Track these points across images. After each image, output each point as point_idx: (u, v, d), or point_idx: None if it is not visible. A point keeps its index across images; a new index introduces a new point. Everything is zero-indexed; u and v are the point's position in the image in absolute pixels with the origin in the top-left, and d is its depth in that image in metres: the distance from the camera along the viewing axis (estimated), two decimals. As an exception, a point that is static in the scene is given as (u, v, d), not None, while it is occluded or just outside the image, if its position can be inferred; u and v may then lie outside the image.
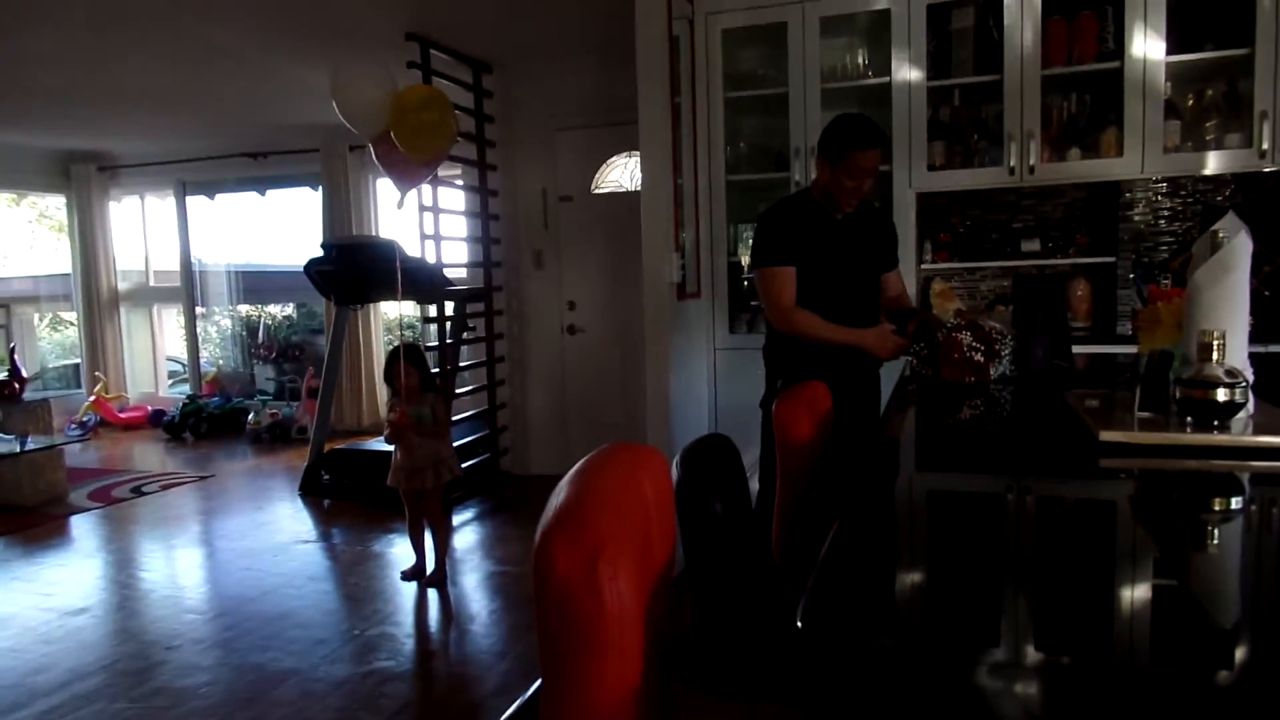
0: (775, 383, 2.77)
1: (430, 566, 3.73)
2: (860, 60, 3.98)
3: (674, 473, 1.33)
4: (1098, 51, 3.55)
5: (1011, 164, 3.64)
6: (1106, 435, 1.52)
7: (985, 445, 1.87)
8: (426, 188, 4.75)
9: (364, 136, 3.88)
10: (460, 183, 5.34)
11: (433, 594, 3.58)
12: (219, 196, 8.34)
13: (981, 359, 2.27)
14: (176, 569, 4.06)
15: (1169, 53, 3.43)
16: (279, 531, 4.51)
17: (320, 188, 7.23)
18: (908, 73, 3.73)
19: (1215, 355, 1.44)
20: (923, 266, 4.05)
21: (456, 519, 4.74)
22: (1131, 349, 3.44)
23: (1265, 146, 3.36)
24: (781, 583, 1.72)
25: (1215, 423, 1.49)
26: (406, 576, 3.74)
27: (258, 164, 7.49)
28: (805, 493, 1.81)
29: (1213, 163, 3.48)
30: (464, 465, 5.00)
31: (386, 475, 4.94)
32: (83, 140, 7.49)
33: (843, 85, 3.92)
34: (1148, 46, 3.44)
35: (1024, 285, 2.95)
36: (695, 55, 3.93)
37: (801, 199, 2.79)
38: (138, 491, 5.41)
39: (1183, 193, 3.89)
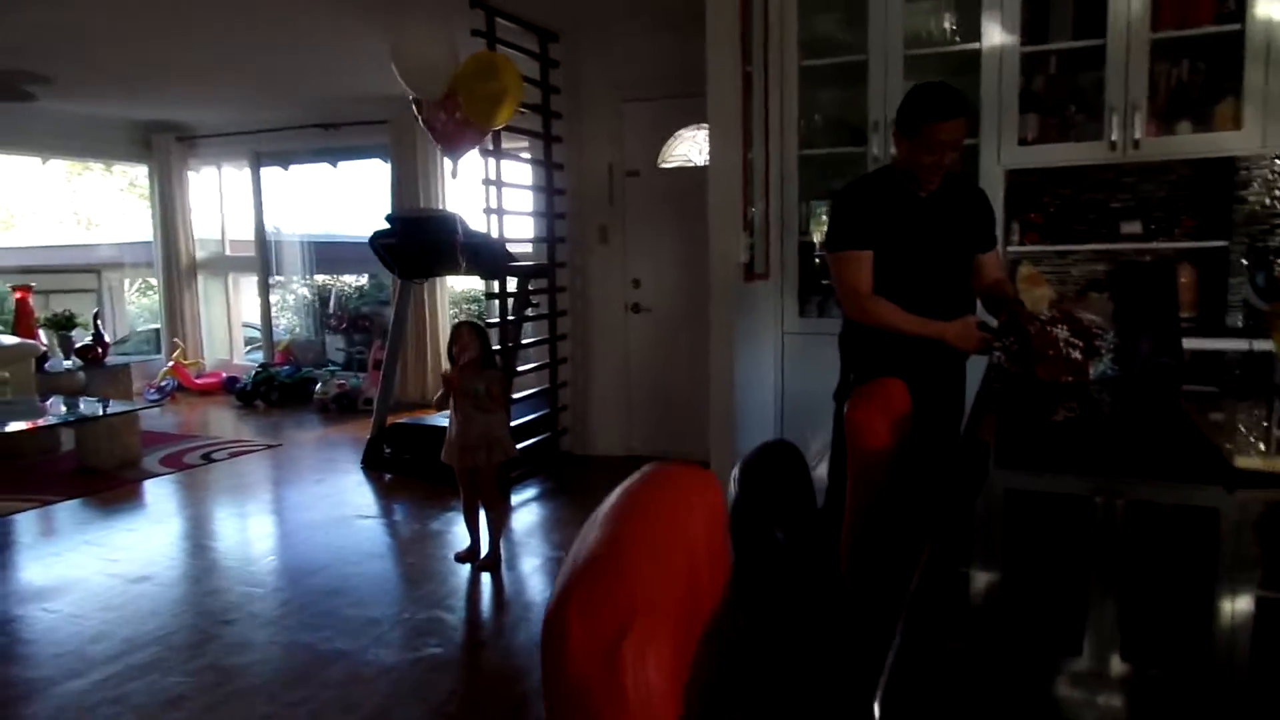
0: (850, 375, 2.59)
1: (485, 549, 3.66)
2: (947, 25, 3.71)
3: (731, 489, 1.19)
4: (1216, 13, 3.22)
5: (1113, 138, 3.35)
6: (1244, 463, 1.30)
7: (1090, 464, 1.60)
8: (490, 161, 4.65)
9: (424, 99, 3.78)
10: (526, 156, 5.23)
11: (486, 578, 3.52)
12: (292, 167, 8.43)
13: (1080, 357, 2.05)
14: (237, 540, 4.10)
15: (1300, 13, 3.09)
16: (340, 505, 4.52)
17: (389, 159, 7.23)
18: (999, 38, 3.45)
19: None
20: (1009, 249, 3.78)
21: (514, 499, 4.68)
22: (1241, 344, 3.15)
23: None
24: (853, 622, 1.55)
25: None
26: (460, 559, 3.69)
27: (329, 135, 7.52)
28: (879, 501, 1.64)
29: (1347, 138, 3.13)
30: (523, 445, 4.95)
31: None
32: (163, 111, 7.63)
33: (927, 52, 3.66)
34: (1275, 7, 3.10)
35: (1126, 272, 2.69)
36: (769, 20, 3.71)
37: (882, 176, 2.58)
38: (208, 458, 5.52)
39: (1307, 170, 3.53)
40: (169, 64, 5.77)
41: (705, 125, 5.02)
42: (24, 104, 6.38)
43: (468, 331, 3.54)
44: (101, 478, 5.06)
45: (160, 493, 4.88)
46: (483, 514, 3.68)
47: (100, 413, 5.23)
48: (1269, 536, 1.06)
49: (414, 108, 3.89)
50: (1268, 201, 3.59)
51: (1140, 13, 3.24)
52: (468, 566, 3.63)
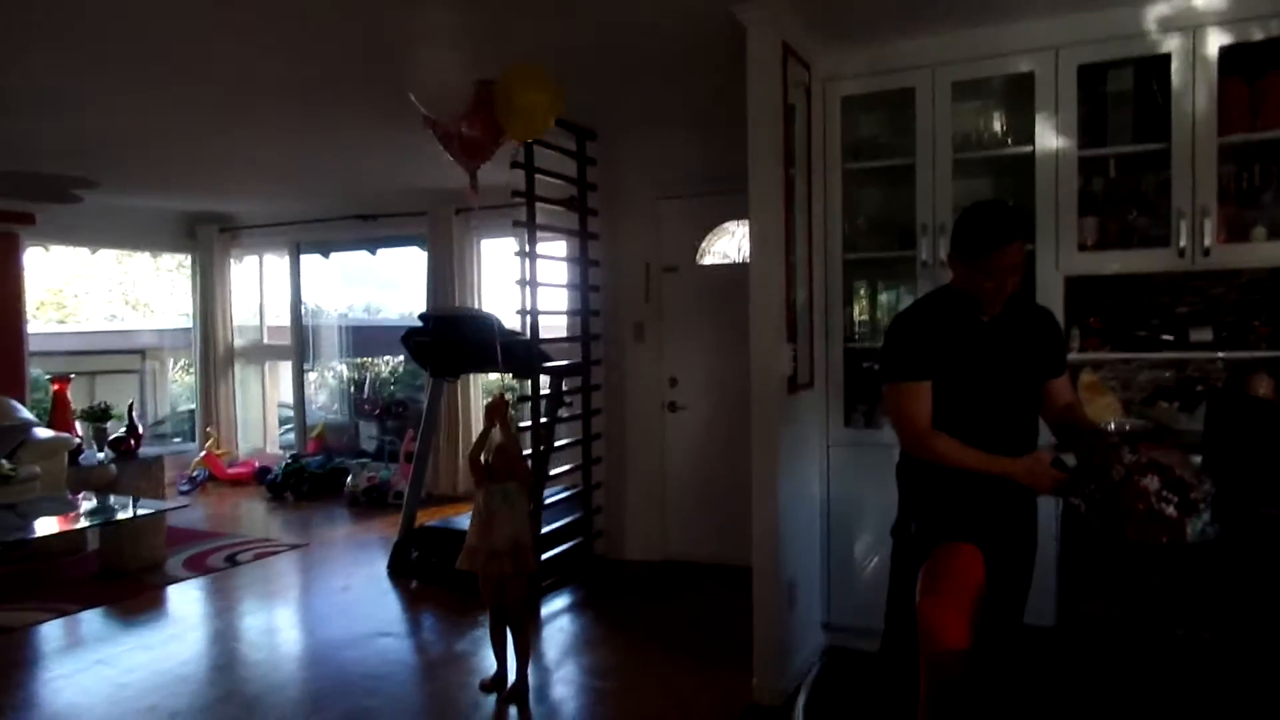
0: (910, 523, 2.36)
1: (512, 676, 3.43)
2: (998, 127, 3.57)
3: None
4: (1289, 116, 3.04)
5: (1181, 244, 3.14)
6: None
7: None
8: (525, 261, 4.56)
9: (440, 117, 3.69)
10: (561, 254, 5.16)
11: (513, 711, 3.28)
12: (332, 255, 8.51)
13: (1174, 513, 1.81)
14: (252, 663, 3.87)
15: (1382, 117, 2.89)
16: (362, 619, 4.31)
17: (426, 247, 7.24)
18: (1054, 141, 3.30)
19: None
20: (1069, 356, 3.55)
21: (544, 610, 4.45)
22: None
23: None
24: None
25: None
26: (485, 688, 3.45)
27: (368, 225, 7.58)
28: (957, 697, 1.42)
29: None
30: (556, 550, 4.76)
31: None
32: (207, 203, 7.77)
33: (977, 155, 3.51)
34: (1354, 110, 2.91)
35: (1218, 402, 2.45)
36: (812, 124, 3.60)
37: (943, 297, 2.39)
38: (232, 560, 5.37)
39: (1394, 275, 3.29)
40: (216, 164, 5.87)
41: (745, 222, 4.96)
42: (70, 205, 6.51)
43: (501, 402, 3.39)
44: (123, 583, 4.92)
45: (181, 600, 4.72)
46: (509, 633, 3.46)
47: (127, 514, 5.13)
48: None
49: (430, 129, 3.81)
50: (1351, 308, 3.35)
51: (1206, 116, 3.07)
52: (494, 697, 3.39)
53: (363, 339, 9.76)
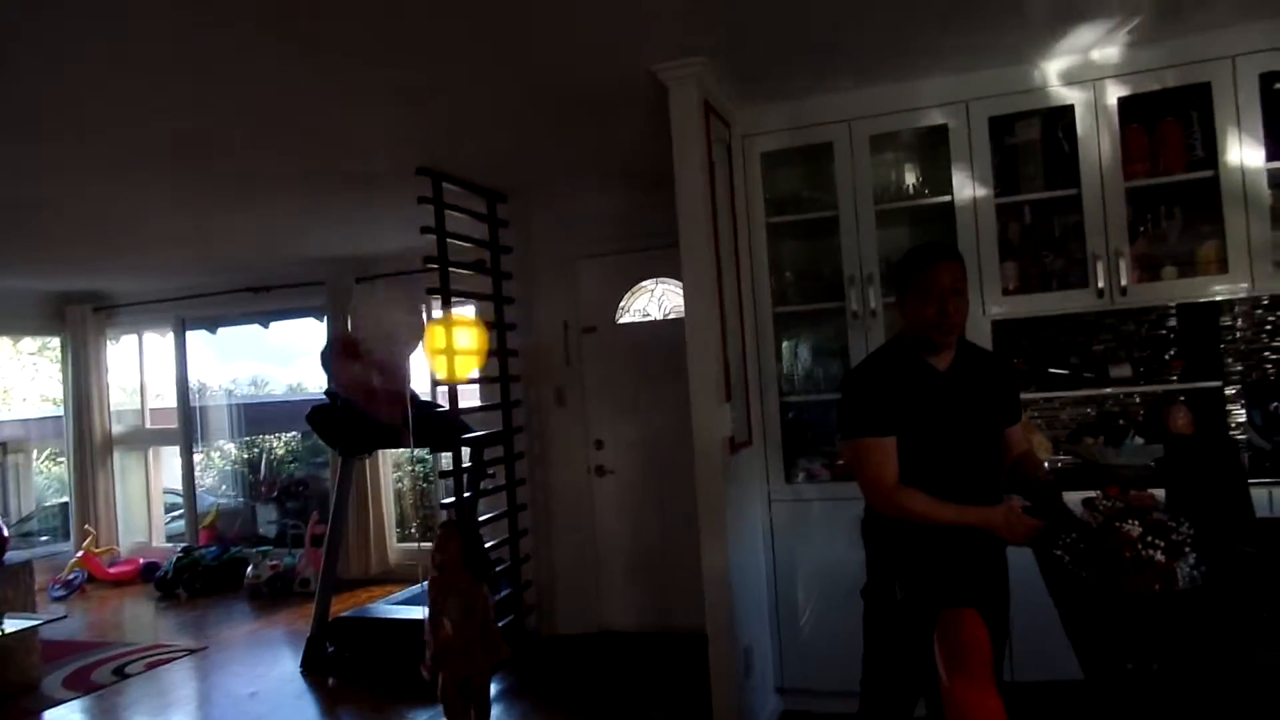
0: (888, 572, 2.28)
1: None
2: (915, 178, 3.64)
3: None
4: (1186, 160, 3.20)
5: (1100, 285, 3.24)
6: None
7: None
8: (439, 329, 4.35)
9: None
10: (472, 318, 4.97)
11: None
12: (220, 330, 8.02)
13: (1162, 559, 1.78)
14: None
15: (1269, 158, 3.08)
16: (276, 729, 3.92)
17: (325, 319, 6.89)
18: (971, 189, 3.38)
19: None
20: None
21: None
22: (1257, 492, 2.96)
23: (1397, 258, 2.97)
24: None
25: None
26: None
27: (260, 298, 7.18)
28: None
29: (1336, 276, 3.07)
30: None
31: (398, 647, 4.44)
32: (78, 281, 7.19)
33: (898, 205, 3.56)
34: (1244, 153, 3.09)
35: (1176, 449, 2.49)
36: (734, 180, 3.59)
37: (895, 348, 2.36)
38: (120, 673, 4.83)
39: (1285, 306, 3.48)
40: (90, 237, 5.42)
41: (663, 279, 4.91)
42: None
43: (443, 534, 3.41)
44: (-9, 711, 4.35)
45: (61, 727, 4.20)
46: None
47: (-6, 631, 4.55)
48: None
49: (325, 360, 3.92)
50: (1252, 337, 3.52)
51: (1111, 162, 3.21)
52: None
53: (254, 416, 9.21)
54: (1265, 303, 3.45)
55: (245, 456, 8.93)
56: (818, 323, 3.79)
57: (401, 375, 3.97)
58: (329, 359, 4.21)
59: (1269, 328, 3.49)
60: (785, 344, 3.78)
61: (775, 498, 3.64)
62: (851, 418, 2.28)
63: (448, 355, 4.13)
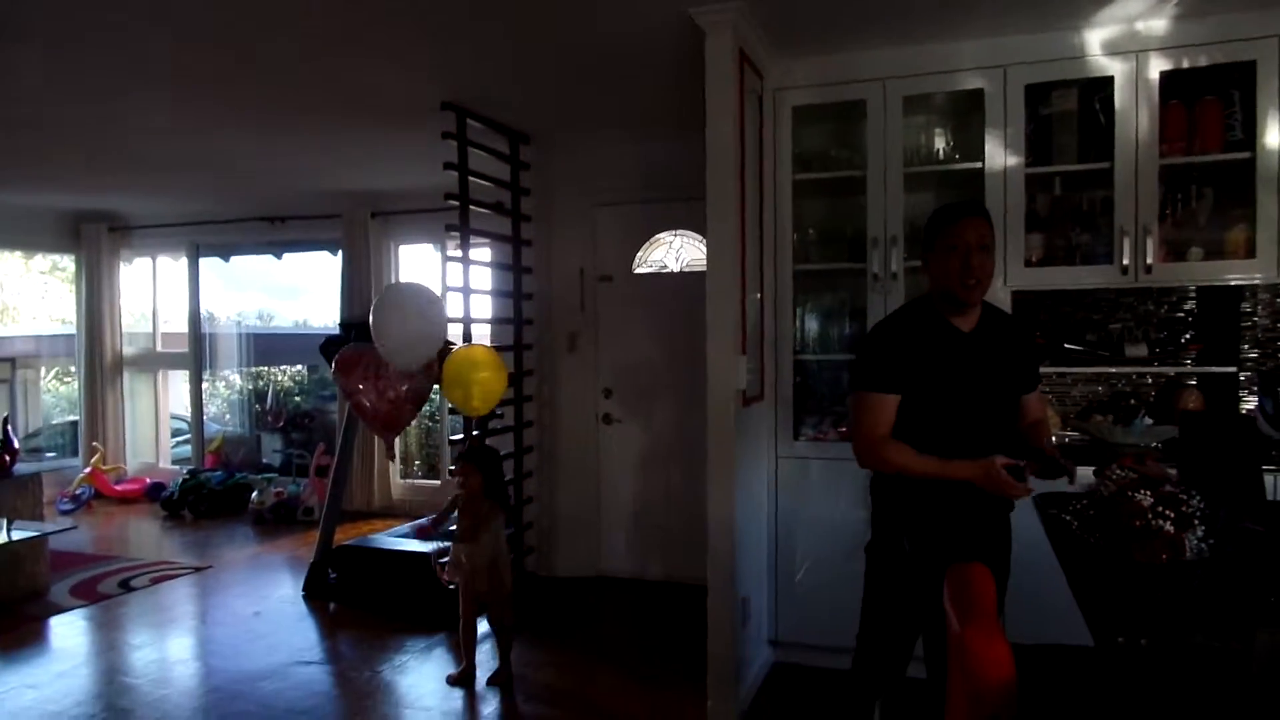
0: (896, 527, 2.31)
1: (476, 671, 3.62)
2: (946, 143, 3.60)
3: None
4: (1224, 141, 3.16)
5: (1125, 262, 3.22)
6: None
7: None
8: (456, 266, 4.35)
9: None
10: (490, 258, 4.96)
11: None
12: (234, 259, 8.02)
13: (1172, 529, 1.80)
14: (157, 700, 3.51)
15: (1309, 144, 3.04)
16: (276, 648, 4.00)
17: (340, 253, 6.89)
18: (1003, 158, 3.34)
19: None
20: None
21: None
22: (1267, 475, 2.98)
23: None
24: None
25: None
26: (453, 681, 3.60)
27: (275, 228, 7.17)
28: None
29: (1364, 268, 3.05)
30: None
31: (398, 577, 4.53)
32: (94, 200, 7.18)
33: (927, 169, 3.53)
34: (1284, 136, 3.05)
35: (1191, 423, 2.50)
36: (764, 134, 3.55)
37: (920, 307, 2.35)
38: (125, 586, 4.93)
39: (1307, 295, 3.46)
40: (106, 156, 5.40)
41: (682, 231, 4.89)
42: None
43: (465, 464, 3.52)
44: (1, 616, 4.43)
45: (68, 632, 4.28)
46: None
47: (2, 538, 4.64)
48: None
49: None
50: (1270, 325, 3.51)
51: (1148, 138, 3.16)
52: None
53: (262, 347, 9.24)
54: (1286, 289, 3.44)
55: (252, 387, 8.99)
56: (837, 283, 3.78)
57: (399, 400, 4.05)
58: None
59: (1288, 315, 3.48)
60: (803, 303, 3.78)
61: (782, 454, 3.67)
62: (861, 370, 2.31)
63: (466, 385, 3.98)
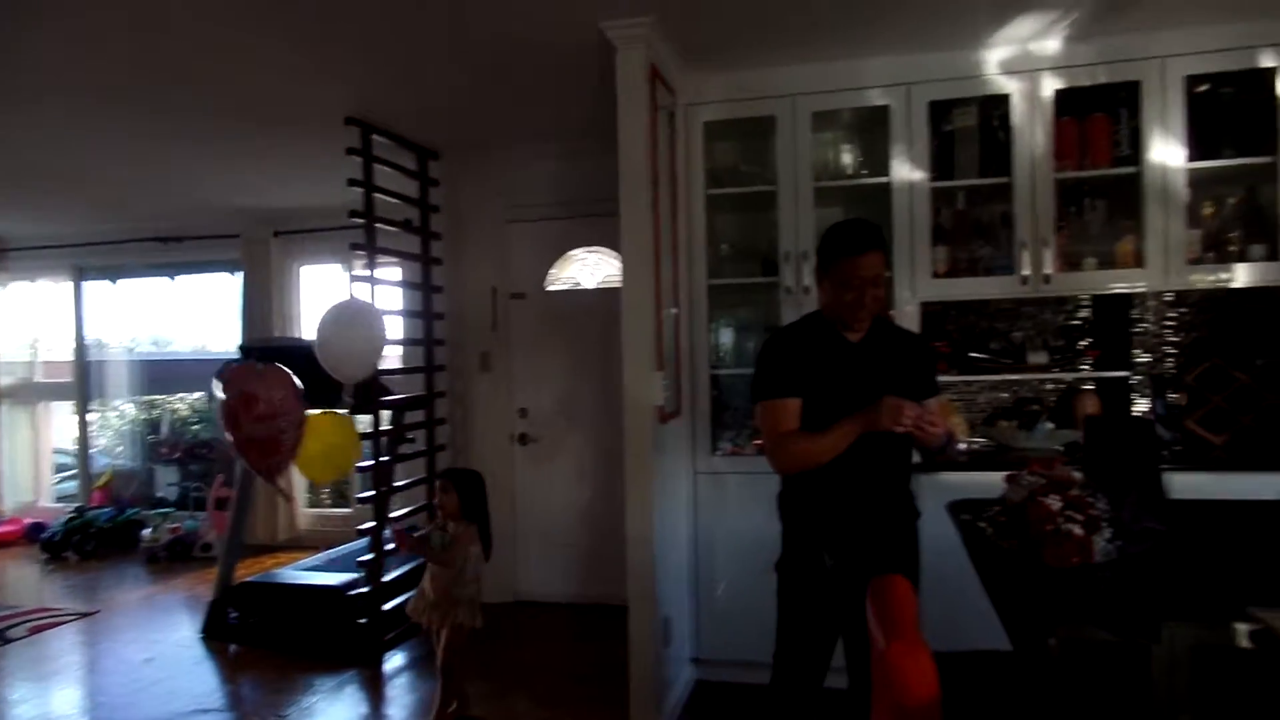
0: (794, 545, 2.31)
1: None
2: (854, 158, 3.67)
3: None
4: (1113, 156, 3.31)
5: (1024, 273, 3.33)
6: None
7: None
8: (364, 286, 4.21)
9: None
10: (400, 278, 4.81)
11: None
12: (122, 281, 7.59)
13: (1081, 532, 1.84)
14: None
15: (1189, 159, 3.20)
16: (172, 696, 3.74)
17: (240, 274, 6.58)
18: (909, 172, 3.42)
19: None
20: (923, 380, 3.67)
21: (386, 667, 4.08)
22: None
23: (1297, 260, 3.13)
24: None
25: None
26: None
27: (168, 248, 6.81)
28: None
29: (1240, 275, 3.22)
30: (399, 599, 4.37)
31: (307, 613, 4.32)
32: (-35, 221, 6.69)
33: (836, 184, 3.59)
34: (1166, 152, 3.21)
35: (1095, 425, 2.57)
36: (675, 149, 3.54)
37: (812, 321, 2.41)
38: (1, 638, 4.54)
39: (1190, 300, 3.64)
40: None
41: (596, 248, 4.85)
42: None
43: (441, 484, 3.34)
44: None
45: (-65, 690, 3.92)
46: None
47: None
48: None
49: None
50: (1158, 330, 3.68)
51: (1043, 153, 3.29)
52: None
53: (157, 374, 8.76)
54: (1170, 298, 3.62)
55: (146, 417, 8.50)
56: (751, 297, 3.80)
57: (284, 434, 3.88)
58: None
59: (1174, 322, 3.65)
60: (718, 317, 3.78)
61: (700, 470, 3.65)
62: (760, 380, 2.34)
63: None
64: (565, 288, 4.93)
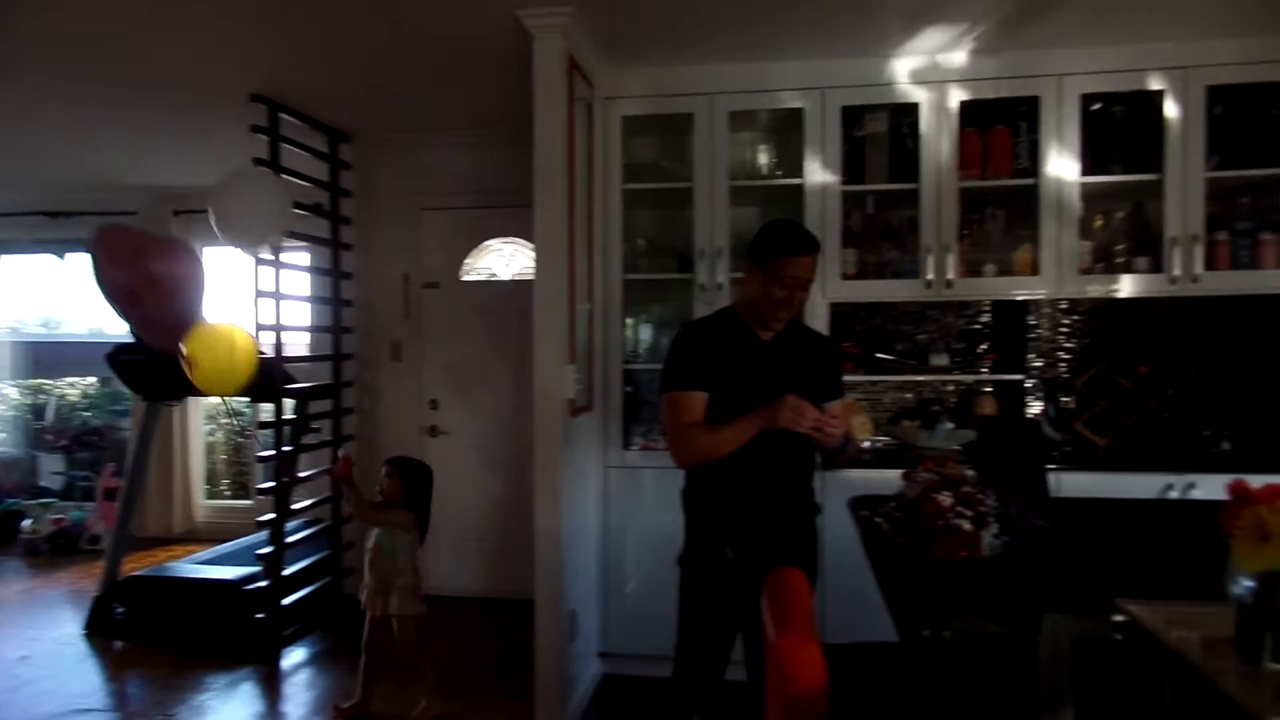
0: (697, 539, 2.34)
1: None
2: (769, 159, 3.72)
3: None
4: (1013, 167, 3.44)
5: (929, 277, 3.44)
6: None
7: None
8: (269, 270, 4.06)
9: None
10: (308, 263, 4.66)
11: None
12: (6, 258, 7.15)
13: (970, 527, 1.90)
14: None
15: (1083, 173, 3.36)
16: (48, 696, 3.54)
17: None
18: (821, 175, 3.49)
19: None
20: (830, 379, 3.76)
21: (285, 663, 3.96)
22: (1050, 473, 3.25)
23: (1176, 273, 3.31)
24: None
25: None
26: (342, 712, 3.32)
27: (58, 224, 6.42)
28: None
29: (1126, 286, 3.39)
30: (301, 594, 4.26)
31: (199, 608, 4.16)
32: None
33: (752, 184, 3.63)
34: (1062, 166, 3.35)
35: (987, 426, 2.67)
36: (593, 142, 3.53)
37: (724, 317, 2.43)
38: None
39: (1081, 309, 3.82)
40: None
41: (513, 239, 4.79)
42: None
43: (386, 470, 3.32)
44: None
45: None
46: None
47: None
48: None
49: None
50: (1051, 336, 3.85)
51: (948, 162, 3.40)
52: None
53: (46, 357, 8.29)
54: (1064, 306, 3.79)
55: (30, 402, 8.03)
56: (667, 293, 3.82)
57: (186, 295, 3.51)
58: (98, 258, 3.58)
59: (1066, 329, 3.83)
60: (634, 312, 3.78)
61: (612, 464, 3.65)
62: (668, 372, 2.35)
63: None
64: (480, 278, 4.86)
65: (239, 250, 3.61)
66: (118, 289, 3.56)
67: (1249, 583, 1.32)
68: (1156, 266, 3.37)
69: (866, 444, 3.69)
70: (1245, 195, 3.42)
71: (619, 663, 3.71)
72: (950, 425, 3.71)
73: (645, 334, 3.84)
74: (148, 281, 3.49)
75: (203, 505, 6.45)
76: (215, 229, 3.52)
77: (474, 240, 4.84)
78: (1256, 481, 1.44)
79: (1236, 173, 3.32)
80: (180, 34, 3.24)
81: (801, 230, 2.32)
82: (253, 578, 4.17)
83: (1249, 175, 3.33)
